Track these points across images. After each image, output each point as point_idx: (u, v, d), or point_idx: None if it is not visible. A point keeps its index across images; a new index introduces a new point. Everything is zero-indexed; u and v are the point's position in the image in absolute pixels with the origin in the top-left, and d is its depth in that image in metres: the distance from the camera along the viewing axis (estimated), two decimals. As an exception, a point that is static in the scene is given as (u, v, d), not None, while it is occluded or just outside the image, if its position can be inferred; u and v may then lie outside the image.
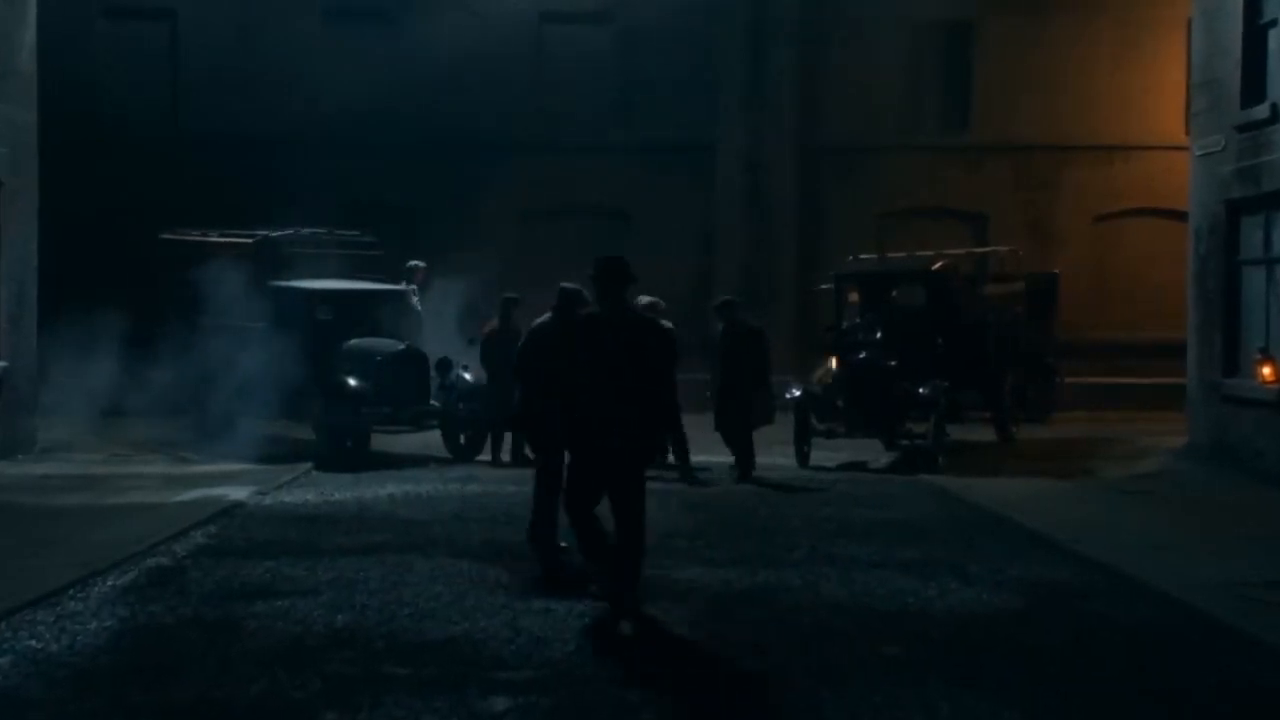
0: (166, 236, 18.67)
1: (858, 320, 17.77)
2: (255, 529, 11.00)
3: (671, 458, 14.08)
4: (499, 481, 13.80)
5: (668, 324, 16.10)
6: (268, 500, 12.61)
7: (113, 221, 21.84)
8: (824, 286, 19.71)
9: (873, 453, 16.50)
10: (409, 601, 8.18)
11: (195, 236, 18.47)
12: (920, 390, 15.86)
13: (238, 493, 12.78)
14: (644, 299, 15.18)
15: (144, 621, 7.74)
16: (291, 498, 12.85)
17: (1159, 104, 24.38)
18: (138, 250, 19.47)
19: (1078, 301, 23.89)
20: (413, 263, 18.15)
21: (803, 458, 15.93)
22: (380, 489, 13.34)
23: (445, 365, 16.18)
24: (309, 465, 14.90)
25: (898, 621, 7.91)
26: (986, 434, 18.28)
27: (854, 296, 18.61)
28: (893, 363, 16.17)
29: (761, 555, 9.89)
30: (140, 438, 17.21)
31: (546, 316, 9.52)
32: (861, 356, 16.42)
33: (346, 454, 15.43)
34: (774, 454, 16.33)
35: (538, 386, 9.09)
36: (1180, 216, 22.04)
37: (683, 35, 23.97)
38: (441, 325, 17.20)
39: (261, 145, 22.48)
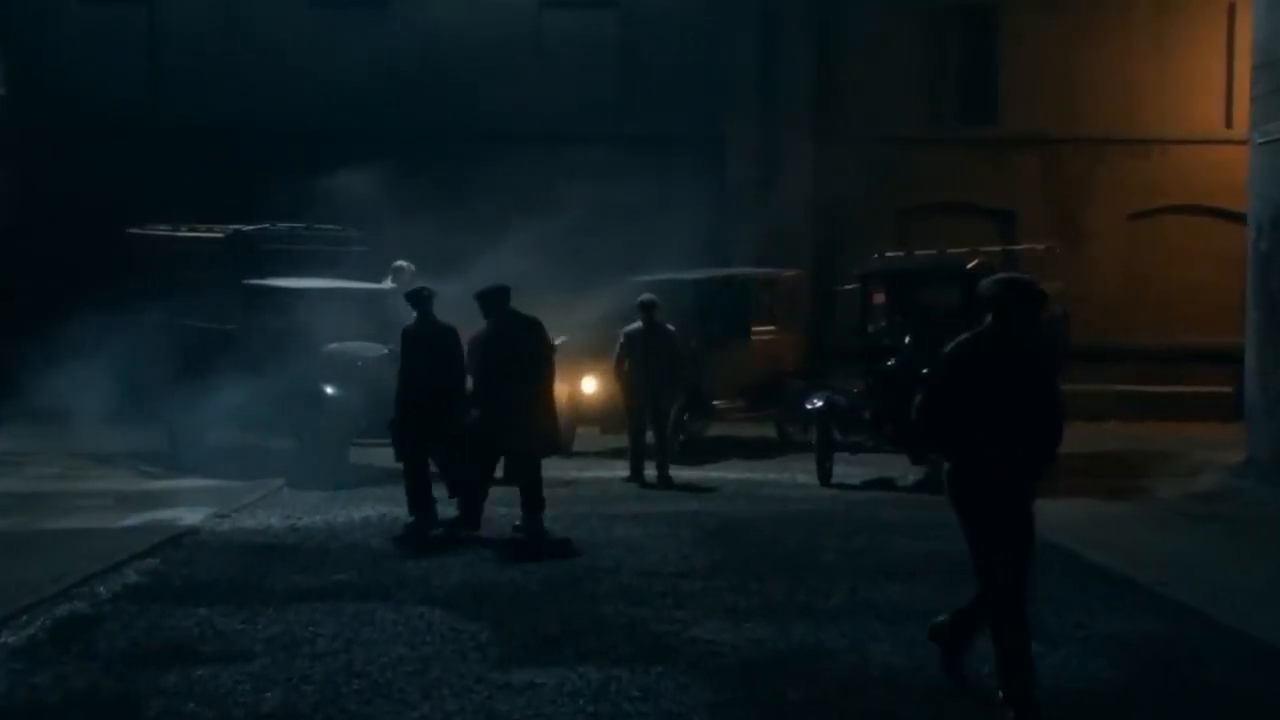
0: (134, 231, 17.32)
1: (884, 323, 16.29)
2: (201, 563, 9.52)
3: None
4: (488, 503, 12.26)
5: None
6: (225, 525, 11.25)
7: (85, 214, 20.59)
8: (848, 286, 18.24)
9: (899, 468, 14.98)
10: (360, 671, 6.60)
11: (163, 231, 17.11)
12: (955, 400, 14.36)
13: (193, 515, 11.47)
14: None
15: (22, 699, 6.18)
16: (253, 521, 11.46)
17: (1198, 95, 23.03)
18: (111, 245, 18.15)
19: (1109, 304, 22.62)
20: (398, 264, 16.73)
21: (825, 474, 14.45)
22: (355, 511, 12.03)
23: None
24: (280, 483, 13.49)
25: (971, 700, 6.33)
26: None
27: (879, 297, 17.11)
28: (925, 370, 14.65)
29: (794, 602, 8.33)
30: (103, 448, 15.73)
31: (986, 327, 6.42)
32: (890, 363, 14.90)
33: (322, 469, 13.98)
34: (793, 470, 14.93)
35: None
36: (1220, 214, 20.87)
37: (690, 21, 22.90)
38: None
39: (245, 135, 21.39)
